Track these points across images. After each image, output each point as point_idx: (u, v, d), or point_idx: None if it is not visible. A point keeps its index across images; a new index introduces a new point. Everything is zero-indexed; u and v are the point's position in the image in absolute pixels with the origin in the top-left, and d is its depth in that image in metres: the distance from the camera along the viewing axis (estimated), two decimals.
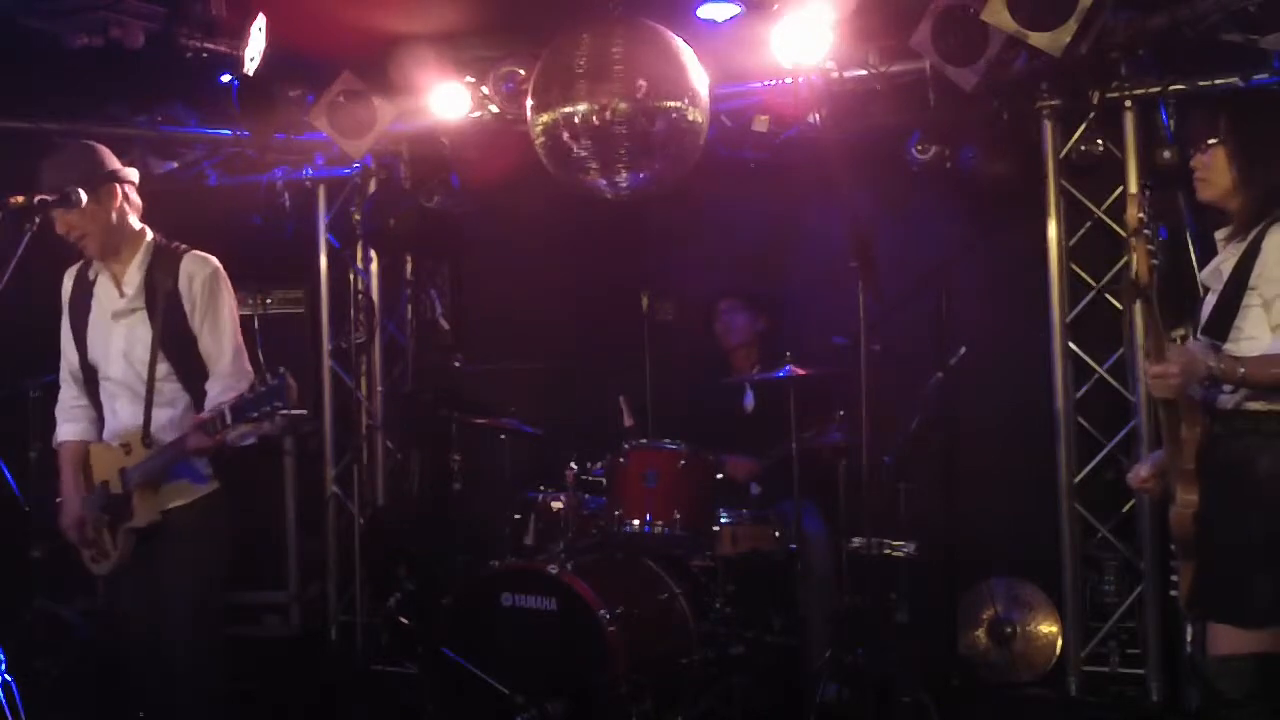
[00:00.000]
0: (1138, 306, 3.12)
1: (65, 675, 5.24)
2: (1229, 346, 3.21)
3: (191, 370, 3.84)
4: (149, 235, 3.92)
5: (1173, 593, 3.38)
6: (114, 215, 3.82)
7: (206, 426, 3.63)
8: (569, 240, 6.13)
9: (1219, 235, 3.40)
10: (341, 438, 6.55)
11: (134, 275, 3.86)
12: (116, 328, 3.85)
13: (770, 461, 5.22)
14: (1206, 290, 3.39)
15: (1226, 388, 3.19)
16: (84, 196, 3.69)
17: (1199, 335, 3.33)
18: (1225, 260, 3.31)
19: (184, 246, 3.92)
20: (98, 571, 3.93)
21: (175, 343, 3.81)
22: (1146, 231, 3.15)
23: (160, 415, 3.79)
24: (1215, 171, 3.33)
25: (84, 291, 3.94)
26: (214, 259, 3.93)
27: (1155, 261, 3.15)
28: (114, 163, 3.88)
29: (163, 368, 3.79)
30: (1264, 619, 3.14)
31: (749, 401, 5.51)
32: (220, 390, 3.81)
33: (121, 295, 3.86)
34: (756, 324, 5.66)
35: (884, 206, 5.40)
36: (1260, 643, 3.15)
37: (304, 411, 3.61)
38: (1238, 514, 3.17)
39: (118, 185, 3.85)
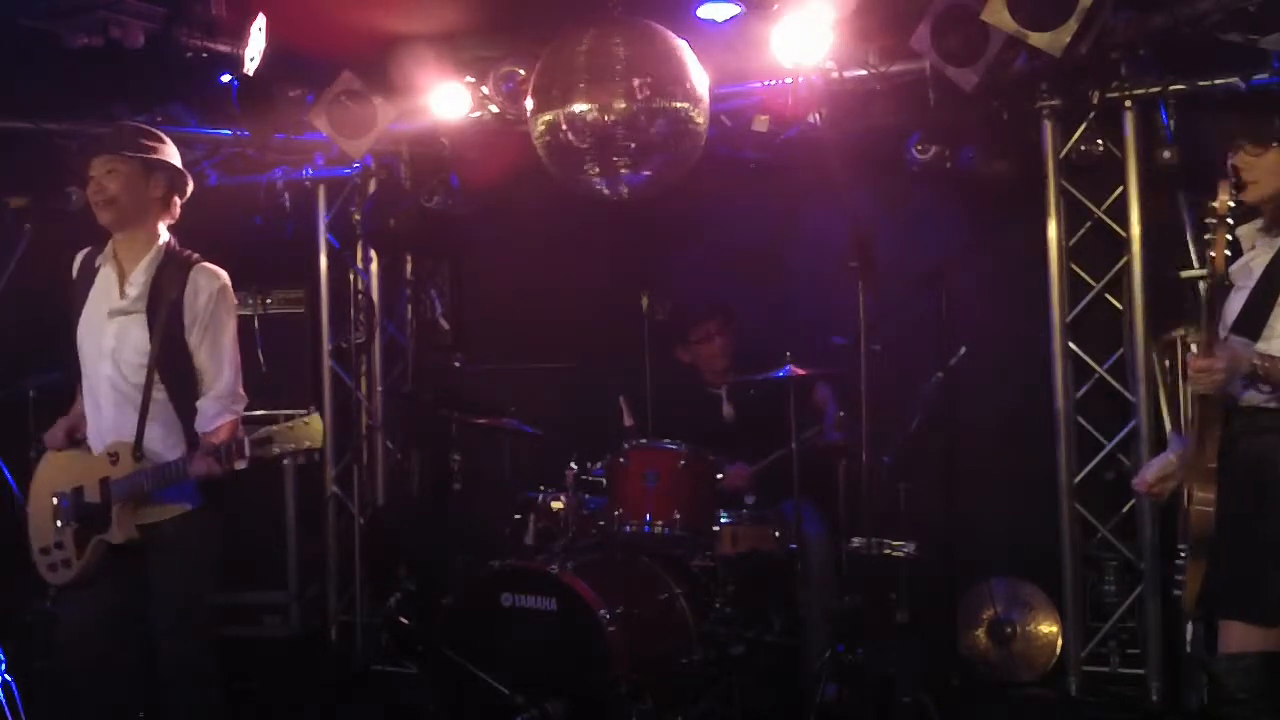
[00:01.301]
0: (1203, 294, 3.10)
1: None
2: (1260, 345, 3.18)
3: (182, 384, 3.76)
4: (163, 238, 3.87)
5: (1176, 592, 3.36)
6: (148, 204, 3.82)
7: (218, 453, 3.55)
8: (569, 240, 6.12)
9: (1241, 231, 3.33)
10: (341, 438, 6.55)
11: (140, 276, 3.80)
12: (109, 325, 3.77)
13: (761, 468, 5.21)
14: (1231, 286, 3.34)
15: (1265, 386, 3.17)
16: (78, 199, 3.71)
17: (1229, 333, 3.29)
18: (1255, 257, 3.27)
19: (196, 256, 3.88)
20: (55, 580, 3.80)
21: (170, 354, 3.74)
22: (1230, 220, 3.12)
23: (150, 428, 3.71)
24: (1270, 173, 3.25)
25: (85, 280, 3.87)
26: (223, 273, 3.88)
27: (1229, 253, 3.12)
28: (183, 172, 3.93)
29: (154, 377, 3.72)
30: (1276, 617, 3.14)
31: (726, 411, 5.48)
32: (216, 411, 3.75)
33: (123, 295, 3.79)
34: (735, 336, 5.65)
35: (884, 206, 5.40)
36: (1269, 640, 3.16)
37: (319, 448, 3.55)
38: (1255, 512, 3.16)
39: (169, 187, 3.88)
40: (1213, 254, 3.09)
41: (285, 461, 6.38)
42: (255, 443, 3.50)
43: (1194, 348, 3.26)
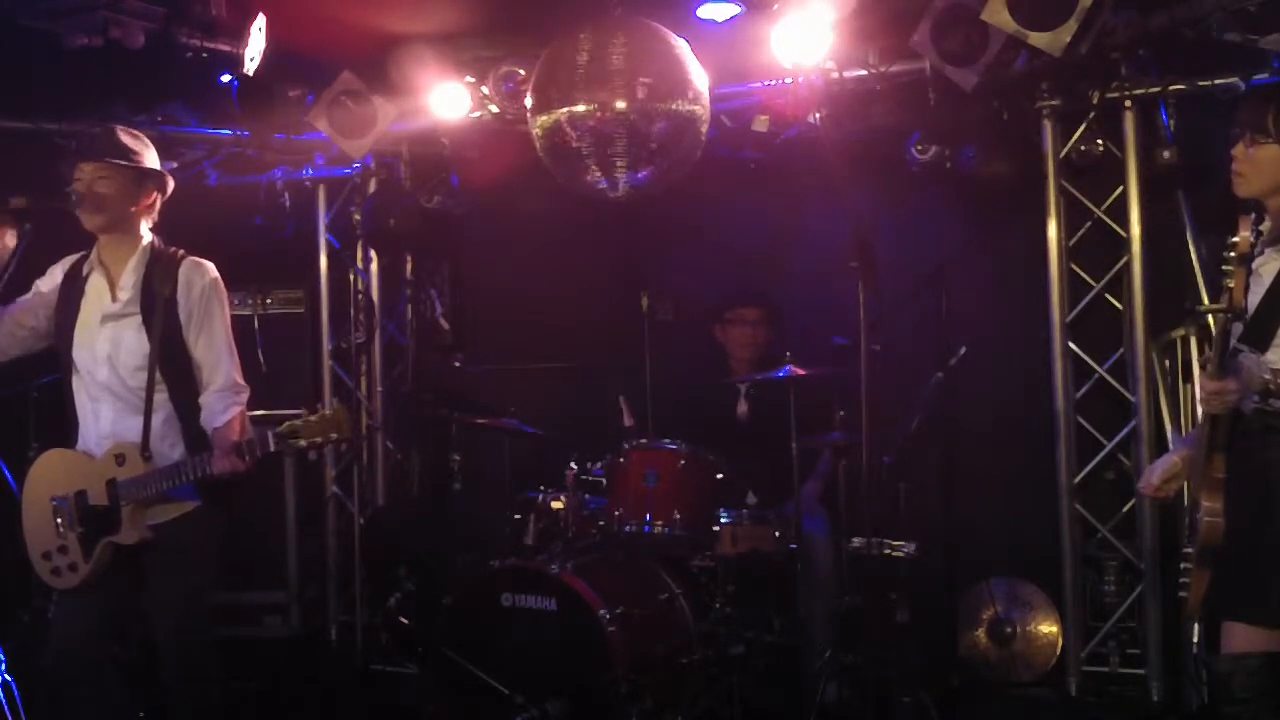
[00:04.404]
0: (1213, 323, 3.07)
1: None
2: (1269, 356, 3.15)
3: (182, 381, 3.77)
4: (147, 239, 3.88)
5: (1181, 594, 3.34)
6: (136, 209, 3.82)
7: (240, 449, 3.56)
8: (569, 240, 6.13)
9: (1244, 233, 3.29)
10: None
11: (129, 279, 3.80)
12: (103, 330, 3.78)
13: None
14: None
15: (1277, 402, 3.14)
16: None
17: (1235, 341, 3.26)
18: (1264, 264, 3.22)
19: (181, 251, 3.88)
20: (60, 585, 3.77)
21: (169, 352, 3.74)
22: (1254, 254, 3.09)
23: (153, 428, 3.71)
24: (1259, 169, 3.21)
25: (75, 288, 3.86)
26: (211, 266, 3.88)
27: (1246, 286, 3.08)
28: (167, 175, 3.94)
29: (155, 376, 3.72)
30: None
31: (742, 409, 5.47)
32: (224, 406, 3.75)
33: (115, 299, 3.80)
34: (770, 336, 5.63)
35: (884, 206, 5.39)
36: (1272, 641, 3.15)
37: (348, 437, 3.54)
38: (1260, 514, 3.15)
39: (156, 190, 3.88)
40: (1231, 285, 3.03)
41: (287, 460, 6.42)
42: (279, 436, 3.50)
43: (1198, 367, 3.23)
